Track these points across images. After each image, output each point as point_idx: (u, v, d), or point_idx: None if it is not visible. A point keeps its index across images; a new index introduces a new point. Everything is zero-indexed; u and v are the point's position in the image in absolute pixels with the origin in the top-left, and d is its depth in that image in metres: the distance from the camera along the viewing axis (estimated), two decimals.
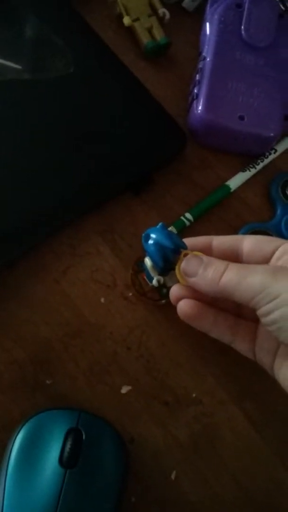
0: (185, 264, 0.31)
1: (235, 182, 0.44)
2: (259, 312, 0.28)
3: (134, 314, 0.40)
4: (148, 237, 0.32)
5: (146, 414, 0.37)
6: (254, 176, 0.45)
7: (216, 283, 0.29)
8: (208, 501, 0.36)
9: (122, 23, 0.48)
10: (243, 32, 0.44)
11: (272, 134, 0.43)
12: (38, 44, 0.42)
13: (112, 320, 0.39)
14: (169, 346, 0.39)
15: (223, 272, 0.29)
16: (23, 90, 0.42)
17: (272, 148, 0.46)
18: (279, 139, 0.46)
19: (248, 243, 0.32)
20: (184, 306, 0.33)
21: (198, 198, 0.44)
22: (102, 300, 0.40)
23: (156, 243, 0.31)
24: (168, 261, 0.32)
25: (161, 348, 0.39)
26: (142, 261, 0.36)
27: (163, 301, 0.39)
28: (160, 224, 0.32)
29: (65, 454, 0.32)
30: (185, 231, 0.42)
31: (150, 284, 0.37)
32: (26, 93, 0.42)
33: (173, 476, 0.36)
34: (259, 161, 0.45)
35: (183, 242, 0.32)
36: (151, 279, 0.36)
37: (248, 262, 0.31)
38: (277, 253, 0.30)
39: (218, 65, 0.43)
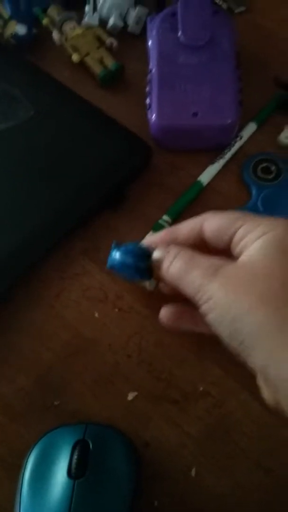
0: (153, 258, 0.31)
1: (206, 176, 0.45)
2: (200, 311, 0.27)
3: (129, 322, 0.40)
4: (114, 268, 0.33)
5: (157, 416, 0.37)
6: (225, 166, 0.46)
7: (167, 273, 0.29)
8: (234, 491, 0.34)
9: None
10: (181, 36, 0.46)
11: (229, 122, 0.44)
12: None
13: (109, 332, 0.40)
14: (168, 345, 0.39)
15: (172, 261, 0.29)
16: None
17: (238, 136, 0.46)
18: (244, 125, 0.47)
19: (208, 230, 0.30)
20: (162, 317, 0.33)
21: (174, 201, 0.45)
22: (96, 315, 0.41)
23: (122, 266, 0.32)
24: (145, 269, 0.32)
25: (161, 348, 0.39)
26: None
27: None
28: (112, 245, 0.33)
29: (73, 465, 0.32)
30: None
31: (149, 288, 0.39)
32: None
33: (193, 473, 0.35)
34: (226, 150, 0.46)
35: (140, 248, 0.32)
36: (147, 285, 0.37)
37: (214, 246, 0.31)
38: (235, 239, 0.28)
39: (164, 72, 0.45)
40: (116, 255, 0.33)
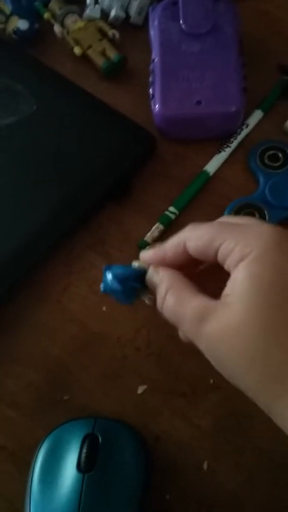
0: (146, 280, 0.30)
1: (212, 165, 0.44)
2: None
3: (137, 315, 0.40)
4: (107, 292, 0.32)
5: (167, 410, 0.37)
6: (232, 155, 0.45)
7: (161, 312, 0.28)
8: (246, 484, 0.34)
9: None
10: (182, 25, 0.45)
11: (233, 109, 0.43)
12: None
13: (117, 325, 0.40)
14: (178, 338, 0.38)
15: (163, 301, 0.28)
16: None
17: (244, 123, 0.45)
18: (249, 113, 0.46)
19: (191, 250, 0.28)
20: (181, 336, 0.32)
21: (180, 191, 0.44)
22: (104, 308, 0.40)
23: (112, 291, 0.31)
24: (137, 289, 0.31)
25: (170, 341, 0.39)
26: None
27: None
28: (103, 268, 0.32)
29: (82, 459, 0.32)
30: (174, 224, 0.43)
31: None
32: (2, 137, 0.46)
33: (205, 467, 0.35)
34: (232, 139, 0.45)
35: (130, 270, 0.31)
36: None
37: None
38: (219, 259, 0.27)
39: (166, 62, 0.45)
40: (107, 279, 0.31)
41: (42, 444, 0.34)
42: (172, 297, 0.27)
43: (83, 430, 0.34)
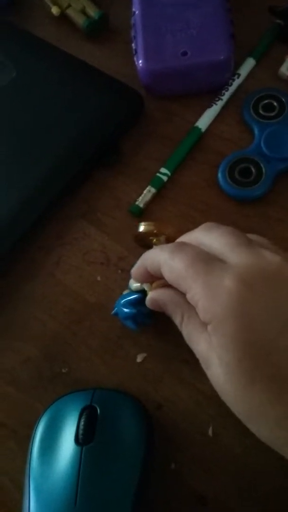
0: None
1: (204, 121, 0.42)
2: None
3: None
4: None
5: (168, 377, 0.35)
6: (224, 108, 0.43)
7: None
8: (253, 448, 0.33)
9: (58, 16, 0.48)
10: None
11: (222, 57, 0.40)
12: None
13: (113, 294, 0.38)
14: None
15: (181, 324, 0.29)
16: None
17: (235, 73, 0.43)
18: (241, 62, 0.43)
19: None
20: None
21: (171, 151, 0.42)
22: (99, 278, 0.39)
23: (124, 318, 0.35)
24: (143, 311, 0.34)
25: None
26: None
27: None
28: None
29: (80, 431, 0.31)
30: (166, 186, 0.41)
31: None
32: None
33: (210, 432, 0.34)
34: (223, 91, 0.42)
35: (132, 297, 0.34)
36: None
37: None
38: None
39: (147, 13, 0.42)
40: (119, 306, 0.35)
41: (40, 418, 0.33)
42: (185, 330, 0.28)
43: (81, 403, 0.33)
